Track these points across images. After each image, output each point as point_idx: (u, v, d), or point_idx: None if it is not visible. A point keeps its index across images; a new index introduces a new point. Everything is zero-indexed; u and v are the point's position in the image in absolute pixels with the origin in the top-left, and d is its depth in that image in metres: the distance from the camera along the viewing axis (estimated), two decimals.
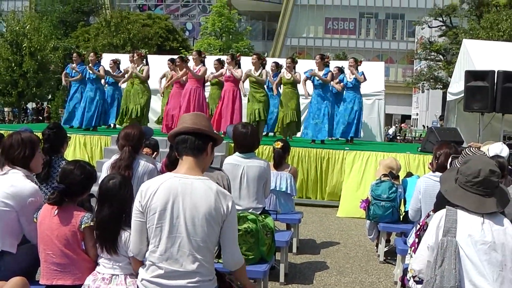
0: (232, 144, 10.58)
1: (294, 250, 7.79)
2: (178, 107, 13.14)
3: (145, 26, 42.92)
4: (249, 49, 46.03)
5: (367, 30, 67.76)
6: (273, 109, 14.44)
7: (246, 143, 5.79)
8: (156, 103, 16.22)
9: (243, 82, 13.30)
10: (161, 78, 15.05)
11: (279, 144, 7.62)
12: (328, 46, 65.43)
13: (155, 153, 7.32)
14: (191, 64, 13.25)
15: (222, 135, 13.09)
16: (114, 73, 15.02)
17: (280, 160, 7.60)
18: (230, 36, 46.95)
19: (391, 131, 38.12)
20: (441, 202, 3.84)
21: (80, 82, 14.68)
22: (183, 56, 14.07)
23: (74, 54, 15.23)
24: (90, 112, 14.16)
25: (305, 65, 14.99)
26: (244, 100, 13.46)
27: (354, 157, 11.46)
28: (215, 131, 3.54)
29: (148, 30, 41.94)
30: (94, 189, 4.10)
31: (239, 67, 13.23)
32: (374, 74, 16.55)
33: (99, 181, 4.10)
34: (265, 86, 13.38)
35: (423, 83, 42.73)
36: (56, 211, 3.98)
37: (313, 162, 11.73)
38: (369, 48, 65.83)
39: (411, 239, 5.44)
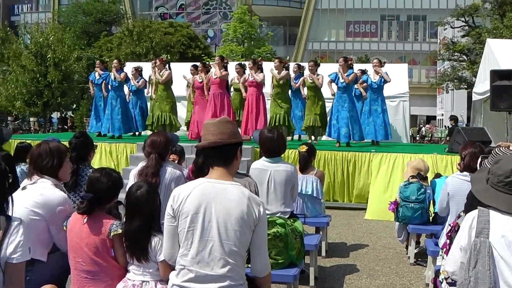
0: (258, 149, 10.67)
1: (323, 253, 7.75)
2: (203, 113, 13.20)
3: (167, 34, 43.24)
4: (271, 55, 46.13)
5: (388, 32, 67.49)
6: (296, 112, 14.46)
7: (272, 147, 5.78)
8: (180, 110, 16.28)
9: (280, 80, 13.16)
10: (187, 86, 15.16)
11: (304, 148, 7.60)
12: (350, 49, 65.26)
13: (182, 159, 7.33)
14: (213, 70, 13.31)
15: (245, 136, 13.14)
16: (136, 80, 15.14)
17: (305, 163, 7.59)
18: (252, 42, 47.11)
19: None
20: (472, 203, 3.77)
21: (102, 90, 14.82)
22: (205, 62, 14.18)
23: (97, 62, 15.38)
24: (114, 121, 14.26)
25: (328, 69, 14.95)
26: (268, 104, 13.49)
27: (380, 159, 11.39)
28: (239, 133, 3.52)
29: (170, 38, 42.25)
30: (121, 196, 4.10)
31: (261, 71, 13.25)
32: (397, 76, 16.46)
33: (127, 188, 4.10)
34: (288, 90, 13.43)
35: (447, 84, 42.33)
36: (86, 220, 3.97)
37: (339, 165, 11.69)
38: (391, 50, 65.54)
39: (442, 240, 5.38)
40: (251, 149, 11.74)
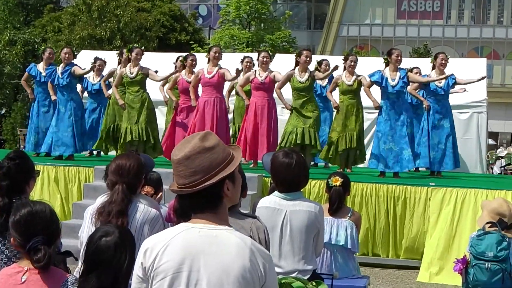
0: (268, 179, 10.68)
1: None
2: (188, 126, 13.31)
3: (141, 11, 43.45)
4: (288, 43, 46.20)
5: (459, 12, 67.52)
6: (323, 127, 14.48)
7: (290, 178, 5.80)
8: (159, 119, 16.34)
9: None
10: (163, 86, 15.22)
11: (337, 180, 7.61)
12: (403, 37, 65.32)
13: (158, 192, 7.37)
14: (202, 65, 13.44)
15: (252, 166, 13.20)
16: (99, 78, 15.22)
17: (339, 202, 7.61)
18: (262, 25, 47.19)
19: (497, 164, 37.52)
20: None
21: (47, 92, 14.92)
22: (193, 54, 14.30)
23: (49, 50, 15.46)
24: (62, 135, 14.26)
25: (368, 65, 14.96)
26: (283, 116, 13.56)
27: (443, 197, 11.40)
28: (225, 154, 3.43)
29: (145, 17, 42.44)
30: (70, 244, 4.14)
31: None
32: (471, 76, 16.45)
33: (82, 234, 4.13)
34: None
35: None
36: (25, 277, 3.97)
37: (383, 204, 11.70)
38: (463, 38, 65.45)
39: None
40: (258, 179, 11.77)
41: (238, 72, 12.98)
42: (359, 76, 13.37)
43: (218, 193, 3.40)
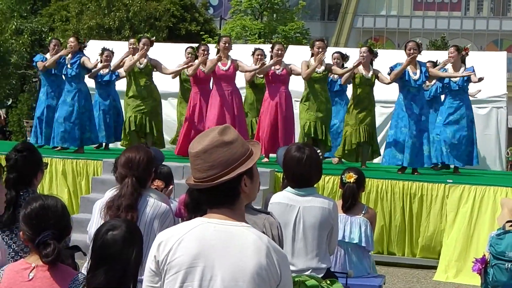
0: (280, 174, 10.67)
1: None
2: (203, 120, 13.32)
3: (151, 0, 43.45)
4: (302, 34, 46.16)
5: (478, 4, 67.32)
6: (335, 121, 14.49)
7: (302, 173, 5.79)
8: (169, 111, 16.33)
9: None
10: (173, 78, 15.20)
11: (352, 177, 7.59)
12: (419, 29, 65.18)
13: (169, 186, 7.38)
14: (213, 57, 13.43)
15: (265, 159, 13.21)
16: (107, 70, 15.23)
17: (352, 199, 7.60)
18: (275, 15, 47.16)
19: None
20: None
21: (57, 81, 14.93)
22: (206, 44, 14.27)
23: (54, 41, 15.46)
24: (69, 126, 14.26)
25: (383, 57, 14.91)
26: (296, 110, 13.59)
27: (461, 194, 11.38)
28: (244, 149, 3.43)
29: (155, 7, 42.44)
30: (78, 238, 4.14)
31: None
32: (490, 70, 16.40)
33: (91, 229, 4.13)
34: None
35: None
36: (32, 274, 3.97)
37: (399, 201, 11.69)
38: (482, 31, 65.28)
39: None
40: (270, 174, 11.78)
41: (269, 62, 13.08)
42: (374, 70, 13.38)
43: (235, 189, 3.40)
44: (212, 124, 12.64)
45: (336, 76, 14.29)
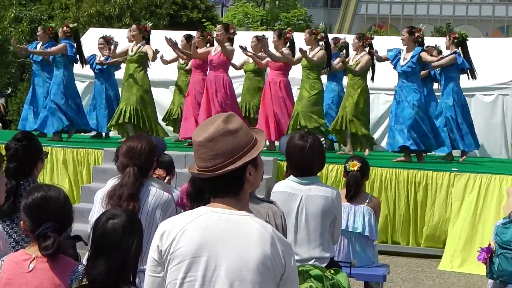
0: (283, 163, 10.69)
1: None
2: (198, 106, 13.35)
3: None
4: (304, 21, 46.09)
5: None
6: (327, 109, 14.49)
7: (304, 161, 5.79)
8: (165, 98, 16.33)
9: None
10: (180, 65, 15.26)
11: (355, 165, 7.60)
12: (424, 15, 65.16)
13: (170, 176, 7.39)
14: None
15: (266, 149, 13.23)
16: (103, 57, 15.25)
17: (356, 188, 7.61)
18: (277, 2, 47.12)
19: None
20: None
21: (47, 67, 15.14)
22: (204, 31, 14.25)
23: (40, 28, 15.53)
24: (48, 112, 14.43)
25: (387, 44, 14.91)
26: None
27: (466, 182, 11.39)
28: (249, 138, 3.42)
29: None
30: (79, 228, 4.15)
31: (292, 47, 13.44)
32: (496, 56, 16.38)
33: (92, 218, 4.13)
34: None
35: None
36: (32, 265, 3.98)
37: (403, 189, 11.70)
38: (487, 17, 65.27)
39: None
40: (273, 162, 11.79)
41: (302, 51, 13.02)
42: (362, 56, 13.46)
43: (240, 178, 3.39)
44: (202, 113, 12.77)
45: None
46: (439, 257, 11.20)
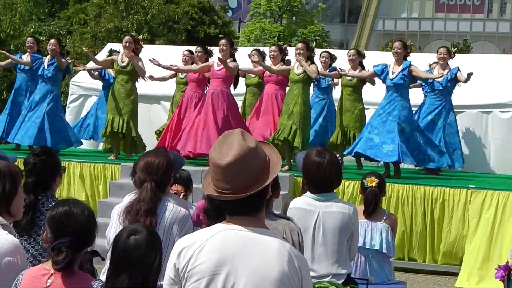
0: (300, 179, 10.65)
1: None
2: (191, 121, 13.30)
3: (169, 3, 43.53)
4: (321, 37, 46.12)
5: (501, 6, 67.02)
6: (320, 120, 14.42)
7: (322, 178, 5.80)
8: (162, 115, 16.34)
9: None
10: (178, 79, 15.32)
11: (373, 181, 7.58)
12: (441, 31, 65.03)
13: (188, 192, 7.39)
14: (215, 58, 13.47)
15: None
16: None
17: (375, 204, 7.59)
18: (294, 18, 47.17)
19: None
20: None
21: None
22: (207, 47, 14.33)
23: (29, 39, 15.57)
24: (30, 124, 14.33)
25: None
26: None
27: (483, 199, 11.33)
28: (271, 158, 3.42)
29: (174, 9, 42.50)
30: (96, 243, 4.15)
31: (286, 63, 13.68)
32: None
33: (110, 233, 4.13)
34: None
35: None
36: (50, 280, 3.98)
37: (420, 206, 11.65)
38: (505, 34, 64.99)
39: None
40: (289, 178, 11.78)
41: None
42: (361, 71, 13.49)
43: (264, 196, 3.39)
44: (197, 122, 12.85)
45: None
46: (456, 274, 11.15)
